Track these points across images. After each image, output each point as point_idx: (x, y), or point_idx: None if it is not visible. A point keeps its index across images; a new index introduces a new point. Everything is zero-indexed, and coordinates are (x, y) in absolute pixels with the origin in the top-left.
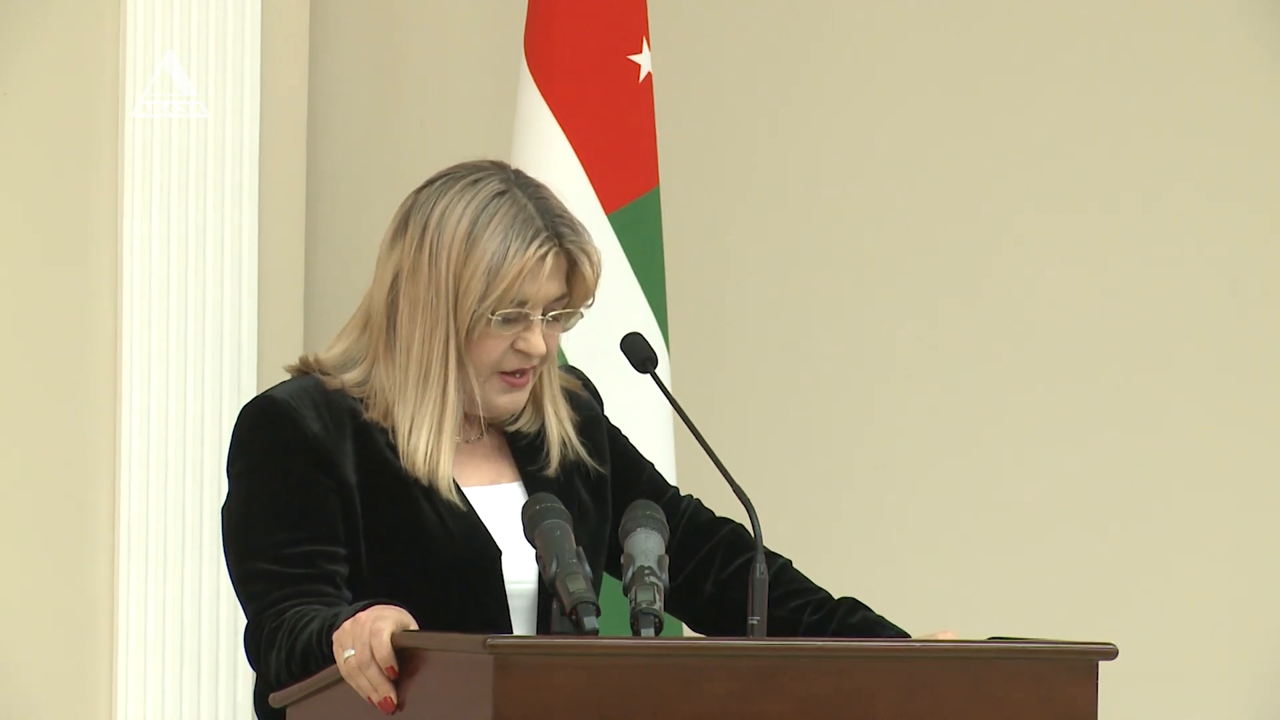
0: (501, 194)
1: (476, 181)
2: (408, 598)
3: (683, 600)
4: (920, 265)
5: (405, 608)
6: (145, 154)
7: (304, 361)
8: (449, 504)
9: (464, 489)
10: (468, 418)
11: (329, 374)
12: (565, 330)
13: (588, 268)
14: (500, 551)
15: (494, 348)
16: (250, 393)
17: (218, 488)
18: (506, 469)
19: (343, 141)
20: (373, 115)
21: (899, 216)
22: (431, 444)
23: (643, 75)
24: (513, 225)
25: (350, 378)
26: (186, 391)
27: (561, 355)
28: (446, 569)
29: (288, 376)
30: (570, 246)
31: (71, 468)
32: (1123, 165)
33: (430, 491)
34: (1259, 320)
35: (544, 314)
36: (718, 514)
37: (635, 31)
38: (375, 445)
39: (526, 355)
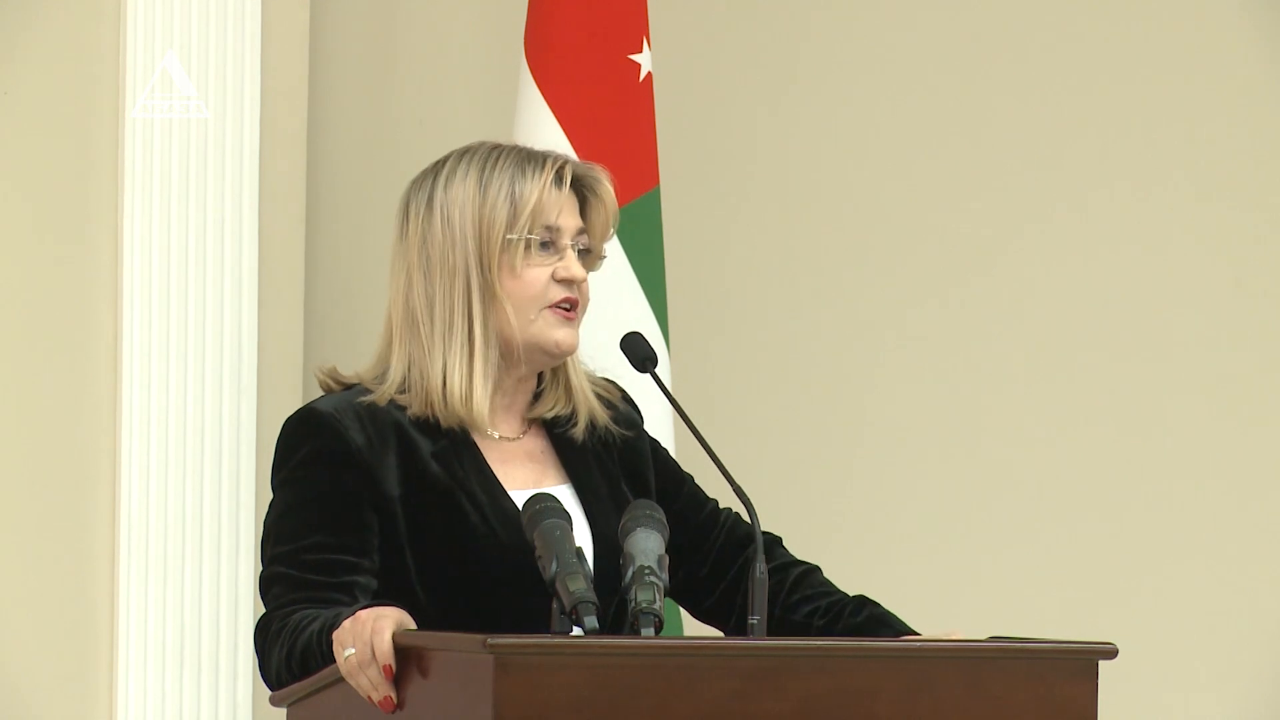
0: (498, 147)
1: (469, 150)
2: (456, 604)
3: (721, 612)
4: (920, 264)
5: (455, 613)
6: (145, 154)
7: (334, 372)
8: (496, 510)
9: (509, 492)
10: (510, 409)
11: (371, 389)
12: (591, 270)
13: (605, 188)
14: None
15: (536, 279)
16: (251, 394)
17: (218, 488)
18: (551, 471)
19: (343, 141)
20: (373, 115)
21: (898, 216)
22: (464, 384)
23: (643, 75)
24: (521, 159)
25: (390, 385)
26: (186, 392)
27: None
28: (493, 575)
29: (285, 374)
30: (580, 171)
31: (71, 468)
32: (1121, 163)
33: (476, 498)
34: (1259, 318)
35: (572, 245)
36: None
37: (635, 31)
38: (419, 457)
39: (569, 282)
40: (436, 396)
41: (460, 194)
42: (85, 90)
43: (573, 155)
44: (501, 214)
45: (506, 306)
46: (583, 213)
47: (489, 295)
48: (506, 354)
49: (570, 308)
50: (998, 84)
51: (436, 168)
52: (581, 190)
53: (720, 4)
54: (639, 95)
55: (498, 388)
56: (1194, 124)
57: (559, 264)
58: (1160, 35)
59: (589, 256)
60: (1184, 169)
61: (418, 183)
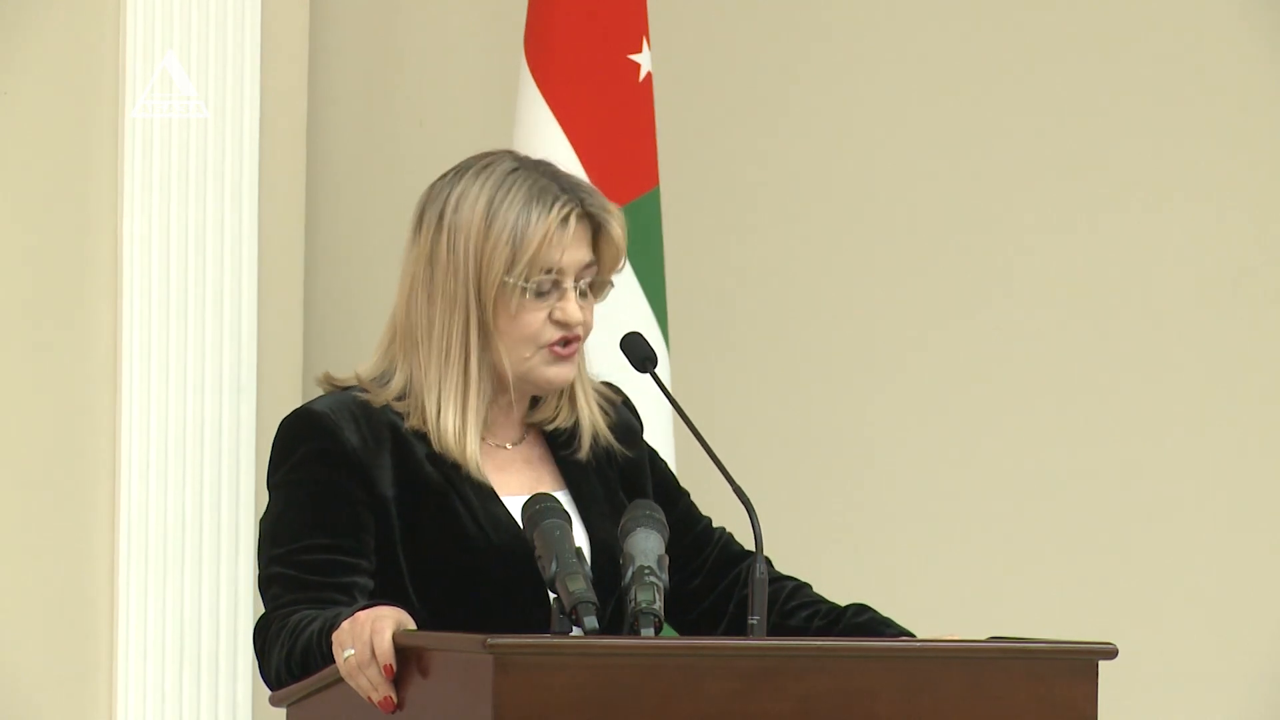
0: (515, 170)
1: (488, 165)
2: (447, 605)
3: (708, 623)
4: (922, 264)
5: (446, 614)
6: (145, 154)
7: (329, 377)
8: (488, 514)
9: (503, 498)
10: (506, 419)
11: (370, 391)
12: (599, 300)
13: (615, 228)
14: None
15: (532, 321)
16: (250, 393)
17: (217, 487)
18: (547, 477)
19: (343, 141)
20: (373, 115)
21: (899, 216)
22: (457, 423)
23: (643, 75)
24: (531, 195)
25: (390, 391)
26: (186, 392)
27: None
28: (489, 579)
29: (285, 374)
30: (592, 209)
31: (71, 468)
32: (1124, 171)
33: (469, 502)
34: (1258, 324)
35: (575, 282)
36: (722, 521)
37: (635, 31)
38: (414, 458)
39: (565, 325)
40: (432, 424)
41: (468, 220)
42: (85, 90)
43: (585, 190)
44: (501, 255)
45: (500, 345)
46: (594, 242)
47: (485, 331)
48: (500, 386)
49: (566, 344)
50: (999, 86)
51: (456, 176)
52: (594, 220)
53: (720, 4)
54: (639, 95)
55: (493, 404)
56: (1194, 124)
57: (556, 305)
58: (1161, 36)
59: (596, 286)
60: (1184, 170)
61: (436, 189)
